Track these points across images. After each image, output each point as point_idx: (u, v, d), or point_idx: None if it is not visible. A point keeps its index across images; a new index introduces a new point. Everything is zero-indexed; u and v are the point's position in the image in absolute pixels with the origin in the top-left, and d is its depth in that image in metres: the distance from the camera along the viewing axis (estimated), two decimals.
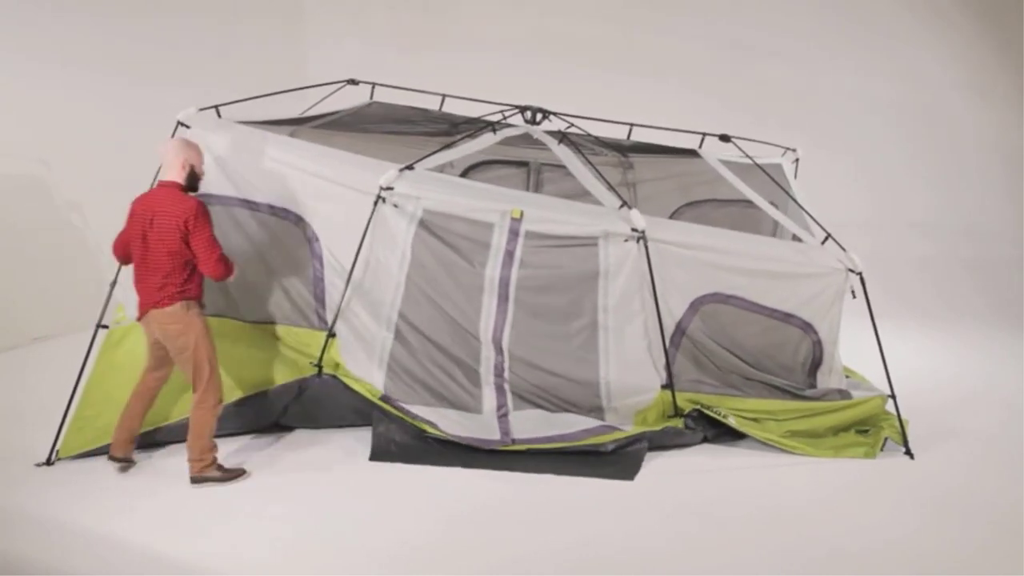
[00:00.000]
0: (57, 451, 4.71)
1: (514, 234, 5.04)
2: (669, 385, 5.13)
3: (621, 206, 5.14)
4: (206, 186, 5.14)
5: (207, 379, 4.42)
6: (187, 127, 5.13)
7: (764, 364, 5.35)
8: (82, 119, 8.18)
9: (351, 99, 6.46)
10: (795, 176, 6.92)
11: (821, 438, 5.19)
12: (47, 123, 7.85)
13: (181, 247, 4.27)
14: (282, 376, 5.07)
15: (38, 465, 4.66)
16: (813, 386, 5.44)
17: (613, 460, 4.87)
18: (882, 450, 5.10)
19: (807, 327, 5.34)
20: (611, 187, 5.47)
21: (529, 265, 5.05)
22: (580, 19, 10.64)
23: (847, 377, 5.86)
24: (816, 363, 5.43)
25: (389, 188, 4.90)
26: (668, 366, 5.13)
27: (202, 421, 4.45)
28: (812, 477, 4.80)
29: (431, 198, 5.00)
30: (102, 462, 4.70)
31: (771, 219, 6.00)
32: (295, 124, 5.96)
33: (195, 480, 4.48)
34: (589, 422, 5.04)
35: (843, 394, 5.34)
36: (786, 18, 10.24)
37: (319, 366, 4.96)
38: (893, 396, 5.22)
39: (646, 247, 4.97)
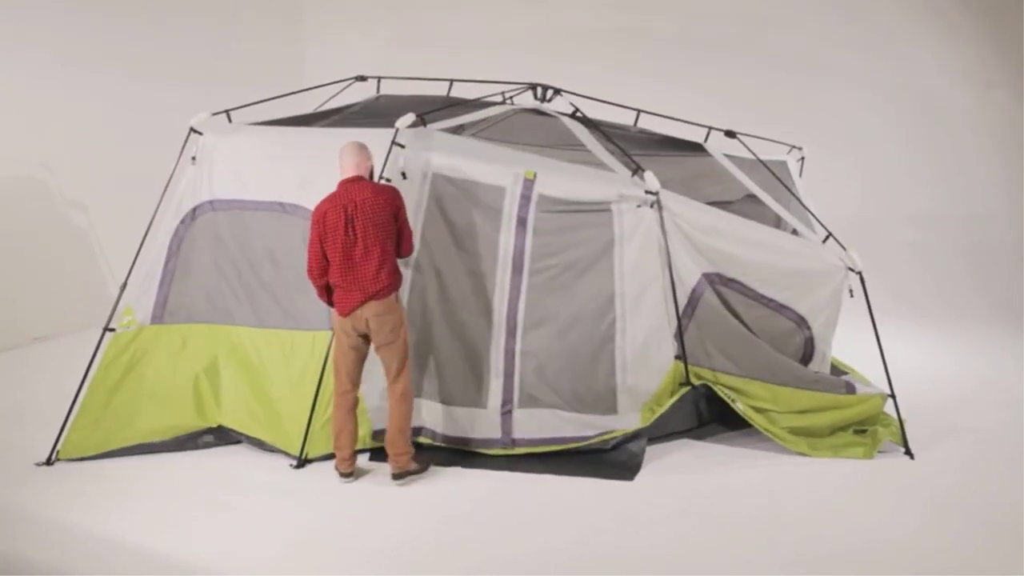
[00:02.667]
0: (57, 451, 4.71)
1: (526, 199, 4.97)
2: (682, 356, 5.08)
3: (635, 172, 5.11)
4: (217, 191, 5.14)
5: (407, 370, 4.57)
6: (199, 133, 5.13)
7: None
8: (82, 119, 8.18)
9: (356, 97, 6.45)
10: (800, 175, 6.90)
11: (819, 437, 5.18)
12: (47, 123, 7.85)
13: (394, 232, 4.44)
14: (290, 392, 4.91)
15: (38, 465, 4.67)
16: None
17: (613, 460, 4.86)
18: (880, 451, 5.10)
19: (801, 321, 5.33)
20: (625, 153, 5.39)
21: (542, 232, 4.98)
22: (581, 16, 10.64)
23: (845, 374, 5.87)
24: (806, 360, 5.43)
25: (409, 130, 4.88)
26: (681, 336, 5.08)
27: (407, 413, 4.56)
28: (812, 477, 4.79)
29: (441, 161, 4.96)
30: (102, 462, 4.71)
31: (773, 217, 6.00)
32: (303, 123, 5.93)
33: (399, 476, 4.55)
34: (593, 427, 4.98)
35: (849, 387, 5.30)
36: (785, 16, 10.24)
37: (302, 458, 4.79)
38: (893, 396, 5.22)
39: (660, 211, 4.94)
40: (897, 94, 10.08)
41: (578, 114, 5.95)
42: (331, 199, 4.45)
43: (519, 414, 4.95)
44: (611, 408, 4.99)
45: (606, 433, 4.93)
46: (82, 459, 4.72)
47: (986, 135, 9.93)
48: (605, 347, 4.98)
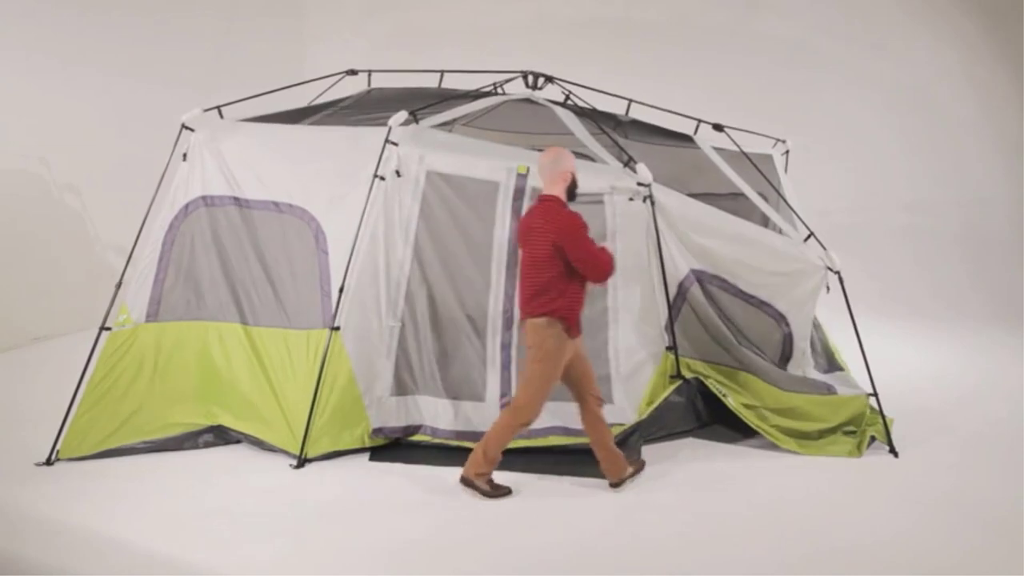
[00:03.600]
0: (57, 451, 4.71)
1: (520, 192, 5.01)
2: (673, 347, 5.11)
3: (626, 164, 5.13)
4: (210, 188, 5.14)
5: (527, 400, 4.36)
6: (191, 130, 5.13)
7: (748, 341, 5.37)
8: (82, 118, 8.18)
9: (350, 91, 6.46)
10: (785, 169, 6.90)
11: (807, 439, 5.17)
12: (47, 122, 7.85)
13: (552, 262, 4.25)
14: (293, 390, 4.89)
15: (38, 465, 4.66)
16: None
17: None
18: (869, 446, 5.09)
19: (780, 318, 5.38)
20: (616, 144, 5.39)
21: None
22: (582, 13, 10.65)
23: (841, 369, 5.88)
24: (786, 357, 5.46)
25: (401, 128, 4.89)
26: (671, 327, 5.13)
27: (498, 432, 4.39)
28: (813, 476, 4.80)
29: (434, 158, 4.99)
30: (102, 462, 4.71)
31: (761, 212, 6.03)
32: (295, 118, 5.92)
33: (464, 481, 4.42)
34: None
35: (829, 389, 5.30)
36: (784, 10, 10.25)
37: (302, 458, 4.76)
38: (875, 394, 5.21)
39: (652, 204, 4.96)
40: (896, 92, 10.09)
41: (569, 102, 5.96)
42: (525, 215, 4.50)
43: None
44: (607, 398, 4.98)
45: None
46: (82, 459, 4.72)
47: (986, 129, 9.93)
48: (598, 337, 5.03)
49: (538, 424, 4.92)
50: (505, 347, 5.00)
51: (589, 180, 5.03)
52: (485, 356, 5.01)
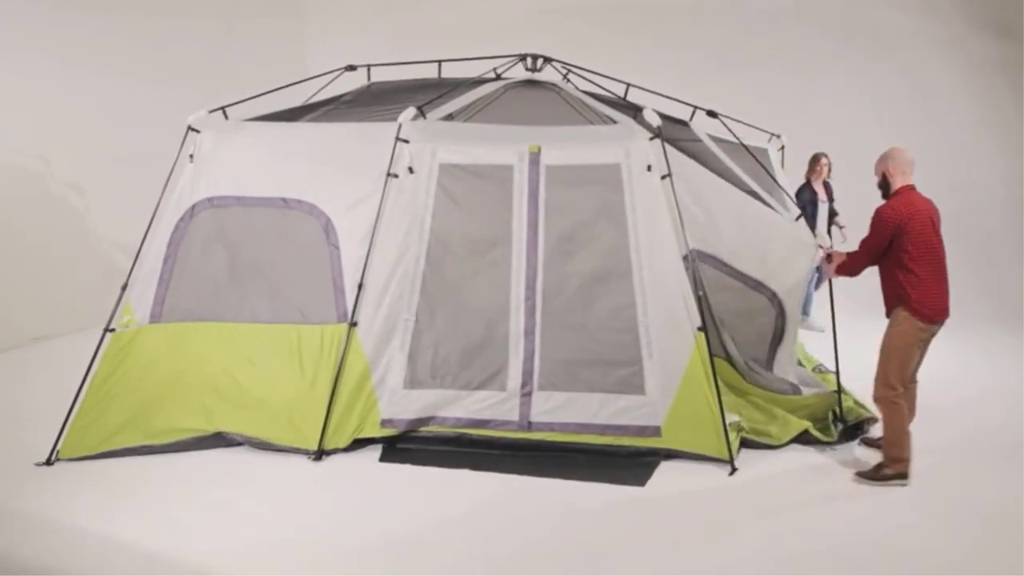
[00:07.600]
0: (57, 451, 4.71)
1: (535, 174, 5.01)
2: (703, 328, 4.88)
3: (635, 115, 5.11)
4: (216, 188, 5.16)
5: (880, 376, 4.69)
6: (197, 131, 5.15)
7: (738, 328, 5.30)
8: (82, 118, 8.18)
9: (350, 87, 6.46)
10: (782, 165, 6.91)
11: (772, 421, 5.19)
12: (47, 122, 7.85)
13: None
14: (303, 384, 4.93)
15: (38, 465, 4.67)
16: (771, 361, 5.44)
17: (624, 465, 4.80)
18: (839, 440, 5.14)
19: (773, 297, 5.37)
20: (621, 99, 5.37)
21: (555, 207, 4.99)
22: (584, 13, 10.66)
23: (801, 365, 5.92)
24: (778, 337, 5.44)
25: (411, 123, 4.93)
26: (699, 306, 4.93)
27: (882, 417, 4.73)
28: (812, 475, 4.80)
29: (446, 149, 5.00)
30: (102, 462, 4.71)
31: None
32: (297, 115, 5.92)
33: (877, 467, 4.73)
34: (617, 408, 4.85)
35: (794, 388, 5.27)
36: (781, 11, 10.25)
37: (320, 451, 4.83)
38: (839, 392, 5.21)
39: (672, 181, 4.89)
40: (896, 92, 10.08)
41: (569, 79, 6.00)
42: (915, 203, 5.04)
43: (539, 396, 4.92)
44: (638, 388, 4.86)
45: (625, 435, 4.85)
46: (82, 459, 4.72)
47: (986, 133, 9.93)
48: (627, 321, 4.90)
49: (557, 419, 4.87)
50: (529, 335, 4.94)
51: (602, 149, 5.00)
52: (508, 346, 4.95)
